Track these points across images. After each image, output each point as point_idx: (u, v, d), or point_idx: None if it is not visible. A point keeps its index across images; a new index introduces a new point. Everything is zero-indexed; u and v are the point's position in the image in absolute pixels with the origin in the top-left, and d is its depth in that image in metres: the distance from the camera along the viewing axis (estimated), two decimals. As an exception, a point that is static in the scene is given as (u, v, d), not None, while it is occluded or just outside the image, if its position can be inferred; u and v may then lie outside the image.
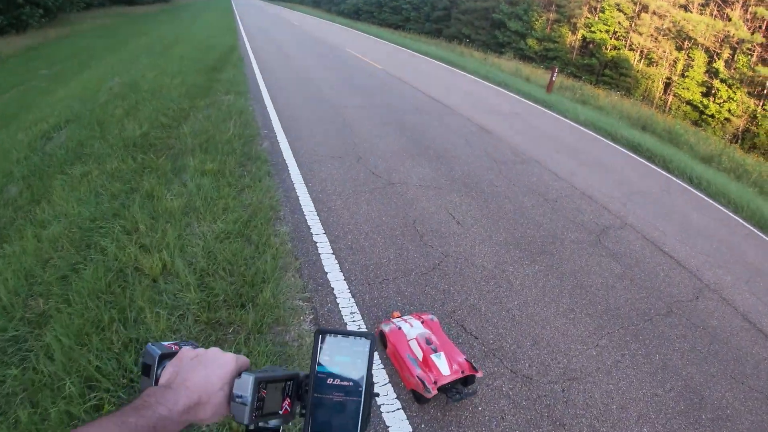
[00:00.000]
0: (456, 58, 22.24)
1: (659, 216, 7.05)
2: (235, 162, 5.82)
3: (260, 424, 0.76)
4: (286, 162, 6.22)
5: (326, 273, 4.09)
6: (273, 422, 0.78)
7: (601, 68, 35.60)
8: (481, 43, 38.65)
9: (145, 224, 4.27)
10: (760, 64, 29.62)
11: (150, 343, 0.78)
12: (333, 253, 4.40)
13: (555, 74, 17.48)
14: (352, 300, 3.82)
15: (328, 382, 0.75)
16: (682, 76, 33.01)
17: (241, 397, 0.72)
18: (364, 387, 0.75)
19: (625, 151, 10.79)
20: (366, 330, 3.55)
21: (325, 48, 19.41)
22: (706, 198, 8.89)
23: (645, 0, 33.88)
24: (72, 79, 13.60)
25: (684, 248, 6.14)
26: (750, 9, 30.98)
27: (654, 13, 33.93)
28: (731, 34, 30.90)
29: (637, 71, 34.58)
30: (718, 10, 32.71)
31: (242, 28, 23.73)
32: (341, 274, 4.12)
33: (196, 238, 4.20)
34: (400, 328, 3.23)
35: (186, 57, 13.40)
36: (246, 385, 0.72)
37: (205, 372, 0.72)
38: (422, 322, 3.32)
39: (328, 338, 0.77)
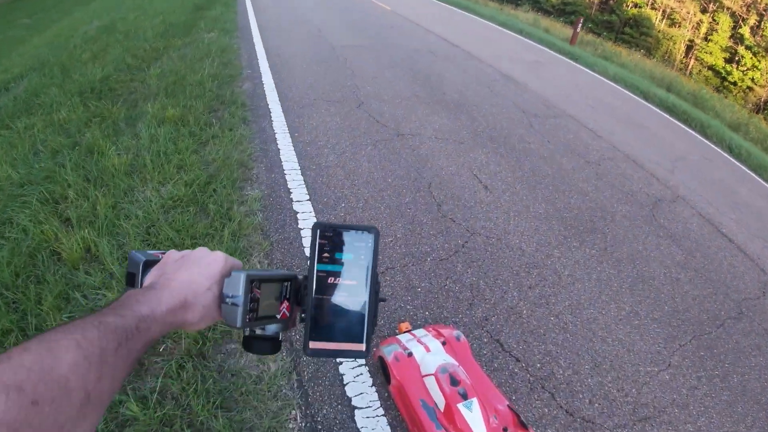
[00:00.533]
0: (471, 5, 20.41)
1: (709, 189, 6.06)
2: (204, 107, 4.65)
3: (257, 331, 0.70)
4: (270, 107, 5.00)
5: (306, 260, 2.93)
6: (271, 328, 0.70)
7: (622, 26, 33.87)
8: (496, -5, 36.27)
9: (75, 190, 3.25)
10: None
11: (134, 251, 0.69)
12: (319, 230, 3.21)
13: (579, 26, 15.86)
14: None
15: (329, 281, 0.66)
16: (706, 39, 31.85)
17: (231, 296, 0.62)
18: (369, 286, 0.66)
19: (660, 111, 9.62)
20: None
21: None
22: (748, 171, 7.96)
23: (671, -43, 31.64)
24: (51, 26, 12.43)
25: (741, 230, 5.13)
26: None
27: (681, -29, 31.80)
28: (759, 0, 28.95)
29: (659, 31, 33.20)
30: None
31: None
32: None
33: (137, 207, 3.11)
34: (410, 355, 2.10)
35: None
36: (237, 283, 0.62)
37: (191, 271, 0.64)
38: (443, 343, 2.19)
39: (327, 233, 0.67)
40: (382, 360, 2.14)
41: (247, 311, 0.63)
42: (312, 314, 0.66)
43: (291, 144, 4.28)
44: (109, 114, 4.50)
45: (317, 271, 0.66)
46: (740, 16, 30.32)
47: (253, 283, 0.64)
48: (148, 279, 0.66)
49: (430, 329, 2.30)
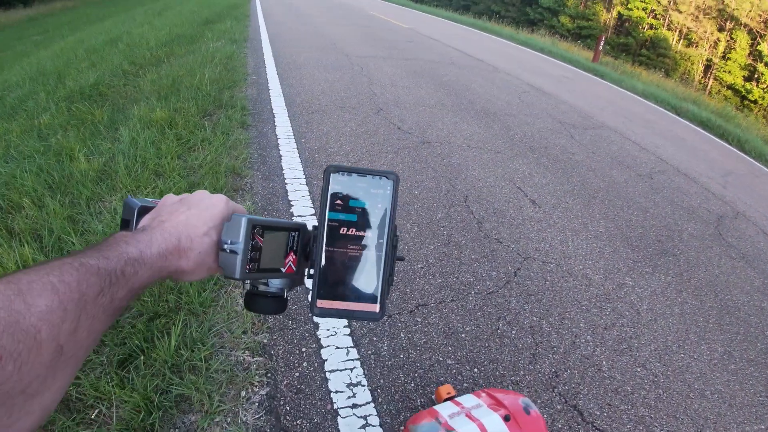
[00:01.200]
0: (488, 26, 20.02)
1: (764, 204, 5.34)
2: (198, 110, 3.99)
3: (260, 287, 0.62)
4: (274, 111, 4.32)
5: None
6: (275, 283, 0.62)
7: (638, 48, 33.49)
8: (511, 19, 36.07)
9: (31, 198, 2.68)
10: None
11: (130, 197, 0.61)
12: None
13: (602, 43, 15.31)
14: (359, 368, 1.92)
15: (341, 231, 0.58)
16: (724, 58, 31.19)
17: (230, 242, 0.54)
18: (386, 238, 0.59)
19: (694, 126, 8.92)
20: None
21: (343, 10, 17.32)
22: None
23: (685, -23, 31.36)
24: (59, 41, 12.16)
25: None
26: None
27: (695, -10, 31.45)
28: (777, 15, 28.46)
29: (676, 52, 32.69)
30: None
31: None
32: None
33: (98, 220, 2.41)
34: None
35: (185, 14, 11.68)
36: (237, 228, 0.55)
37: (188, 213, 0.56)
38: (506, 418, 1.39)
39: (341, 177, 0.59)
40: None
41: (247, 260, 0.55)
42: (321, 269, 0.58)
43: (296, 150, 3.58)
44: (91, 118, 3.98)
45: (328, 220, 0.58)
46: (758, 32, 29.57)
47: (255, 229, 0.56)
48: (142, 224, 0.57)
49: (484, 395, 1.50)
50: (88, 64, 6.13)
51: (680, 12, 32.06)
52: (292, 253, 0.63)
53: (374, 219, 0.59)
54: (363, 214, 0.59)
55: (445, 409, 1.41)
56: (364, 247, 0.58)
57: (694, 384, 2.22)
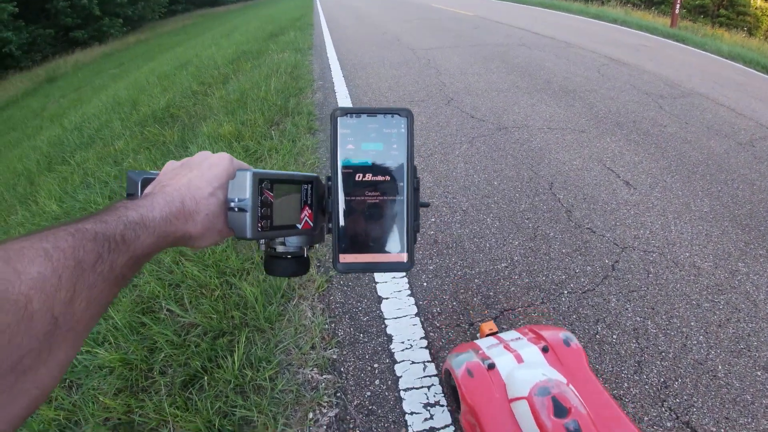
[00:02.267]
0: (555, 2, 19.03)
1: None
2: (265, 121, 3.96)
3: (278, 248, 0.58)
4: (341, 113, 4.20)
5: (380, 302, 2.02)
6: (293, 241, 0.58)
7: (716, 8, 30.69)
8: (580, -7, 34.52)
9: None
10: None
11: (131, 170, 0.58)
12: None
13: (678, 6, 14.10)
14: (438, 386, 1.72)
15: (357, 178, 0.54)
16: None
17: (237, 200, 0.51)
18: (405, 181, 0.54)
19: None
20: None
21: (406, 6, 17.14)
22: None
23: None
24: (135, 72, 12.97)
25: None
26: None
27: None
28: None
29: (756, 8, 29.81)
30: None
31: (318, 2, 22.19)
32: (414, 305, 2.04)
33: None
34: (492, 367, 1.14)
35: (250, 32, 12.06)
36: (242, 184, 0.51)
37: (190, 174, 0.52)
38: (544, 349, 1.18)
39: (349, 120, 0.55)
40: (449, 375, 1.22)
41: (257, 217, 0.51)
42: (340, 220, 0.54)
43: (363, 150, 3.43)
44: (162, 139, 4.09)
45: (342, 167, 0.54)
46: None
47: (262, 183, 0.52)
48: (145, 193, 0.53)
49: (527, 331, 1.27)
50: (160, 89, 6.40)
51: None
52: (307, 207, 0.59)
53: (391, 161, 0.55)
54: (378, 156, 0.55)
55: (484, 342, 1.28)
56: (383, 192, 0.55)
57: None
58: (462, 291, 2.11)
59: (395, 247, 0.55)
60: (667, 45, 9.77)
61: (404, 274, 2.18)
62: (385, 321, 1.94)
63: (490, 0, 20.32)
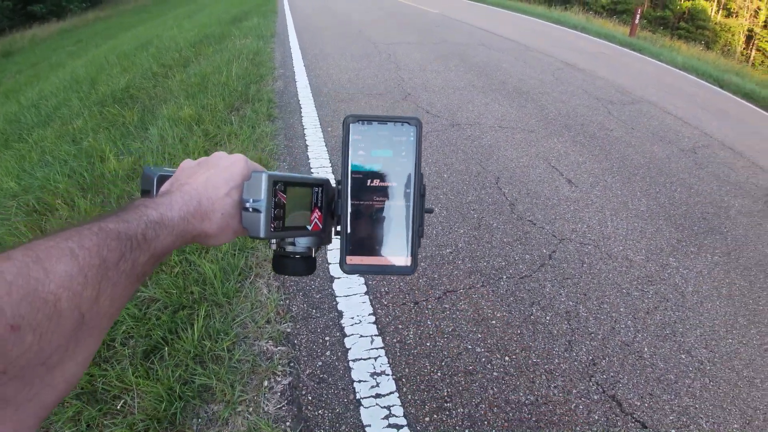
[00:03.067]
0: (519, 5, 19.47)
1: None
2: (225, 106, 4.00)
3: (288, 248, 0.60)
4: (301, 103, 4.30)
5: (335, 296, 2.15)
6: (302, 242, 0.60)
7: (676, 21, 32.18)
8: (543, -2, 35.24)
9: (63, 199, 2.75)
10: None
11: (147, 166, 0.59)
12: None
13: (638, 17, 14.68)
14: (384, 357, 1.87)
15: (366, 184, 0.56)
16: (766, 27, 29.41)
17: (252, 201, 0.52)
18: (413, 187, 0.57)
19: (739, 98, 8.39)
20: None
21: None
22: None
23: (723, -57, 29.68)
24: (93, 50, 12.56)
25: None
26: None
27: (733, -44, 29.76)
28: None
29: (715, 23, 31.58)
30: None
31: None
32: (363, 285, 2.18)
33: (127, 217, 2.39)
34: None
35: (214, 14, 11.85)
36: (258, 185, 0.52)
37: (207, 174, 0.54)
38: None
39: (361, 127, 0.57)
40: None
41: (271, 218, 0.53)
42: (348, 223, 0.57)
43: (323, 139, 3.55)
44: (122, 119, 4.07)
45: (352, 172, 0.57)
46: None
47: (276, 185, 0.54)
48: (161, 190, 0.55)
49: None
50: (120, 69, 6.28)
51: None
52: (317, 210, 0.61)
53: (399, 168, 0.57)
54: (387, 163, 0.57)
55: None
56: (390, 197, 0.57)
57: (743, 371, 2.05)
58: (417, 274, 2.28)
59: (400, 251, 0.57)
60: (623, 53, 10.20)
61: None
62: (337, 298, 2.07)
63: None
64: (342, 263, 0.56)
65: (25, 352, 0.32)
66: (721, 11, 31.85)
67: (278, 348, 1.79)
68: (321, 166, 3.16)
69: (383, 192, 0.57)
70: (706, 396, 1.89)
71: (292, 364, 1.74)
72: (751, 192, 3.88)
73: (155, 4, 27.66)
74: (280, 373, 1.69)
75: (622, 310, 2.25)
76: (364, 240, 0.56)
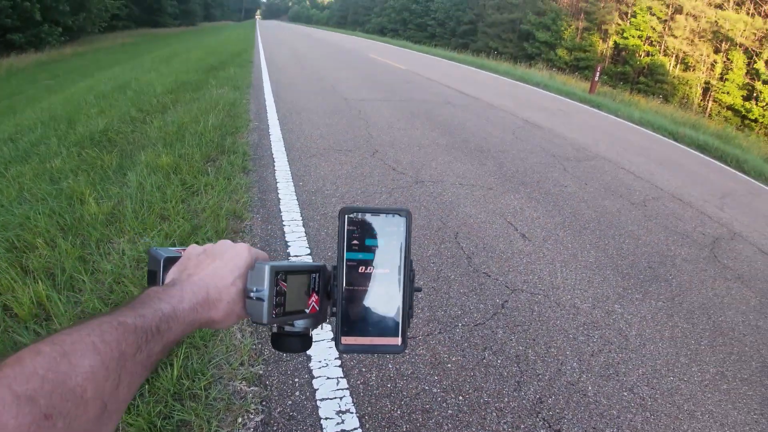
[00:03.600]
0: (486, 63, 20.57)
1: (762, 223, 5.46)
2: (201, 156, 4.19)
3: (286, 328, 0.64)
4: (274, 156, 4.54)
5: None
6: (300, 323, 0.64)
7: (636, 76, 33.61)
8: (509, 55, 36.84)
9: (45, 238, 2.83)
10: (805, 61, 26.98)
11: (154, 248, 0.63)
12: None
13: (598, 74, 15.64)
14: (348, 397, 2.04)
15: (359, 271, 0.61)
16: (722, 79, 30.76)
17: (256, 290, 0.57)
18: (403, 274, 0.61)
19: (692, 150, 9.11)
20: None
21: (344, 54, 17.92)
22: None
23: (679, 1, 31.57)
24: (70, 87, 12.62)
25: None
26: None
27: (689, 14, 31.41)
28: (772, 31, 28.55)
29: (674, 77, 32.48)
30: (755, 8, 30.20)
31: (260, 40, 22.51)
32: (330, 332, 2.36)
33: (107, 260, 2.58)
34: None
35: (191, 61, 12.16)
36: (261, 275, 0.57)
37: (214, 264, 0.59)
38: None
39: (355, 218, 0.61)
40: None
41: (273, 306, 0.58)
42: (343, 307, 0.60)
43: (294, 193, 3.77)
44: (100, 163, 4.19)
45: (347, 260, 0.61)
46: (753, 51, 29.32)
47: (278, 275, 0.59)
48: (169, 276, 0.60)
49: None
50: (98, 110, 6.40)
51: (675, 37, 32.06)
52: (315, 294, 0.65)
53: (390, 256, 0.61)
54: (379, 252, 0.61)
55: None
56: (382, 283, 0.61)
57: (684, 405, 2.29)
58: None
59: (391, 332, 0.60)
60: (582, 110, 10.84)
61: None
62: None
63: (424, 56, 21.61)
64: (337, 344, 0.60)
65: None
66: (679, 65, 32.99)
67: (251, 388, 1.95)
68: (292, 219, 3.36)
69: (375, 278, 0.61)
70: (647, 429, 2.10)
71: (264, 403, 1.89)
72: (698, 240, 4.25)
73: (132, 45, 28.04)
74: (253, 411, 1.84)
75: (568, 353, 2.48)
76: (357, 322, 0.60)
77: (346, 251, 0.60)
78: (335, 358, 2.17)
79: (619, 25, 34.69)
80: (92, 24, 28.53)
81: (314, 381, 2.03)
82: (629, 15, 34.22)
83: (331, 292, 0.64)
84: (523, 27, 37.97)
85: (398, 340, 0.60)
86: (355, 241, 0.61)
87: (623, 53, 35.00)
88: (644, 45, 33.86)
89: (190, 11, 55.01)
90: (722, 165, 8.42)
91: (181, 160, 4.04)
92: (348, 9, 71.71)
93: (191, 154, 4.18)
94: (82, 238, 2.88)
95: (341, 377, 2.06)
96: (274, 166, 4.31)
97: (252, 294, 0.57)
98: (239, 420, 1.79)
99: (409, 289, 0.61)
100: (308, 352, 2.22)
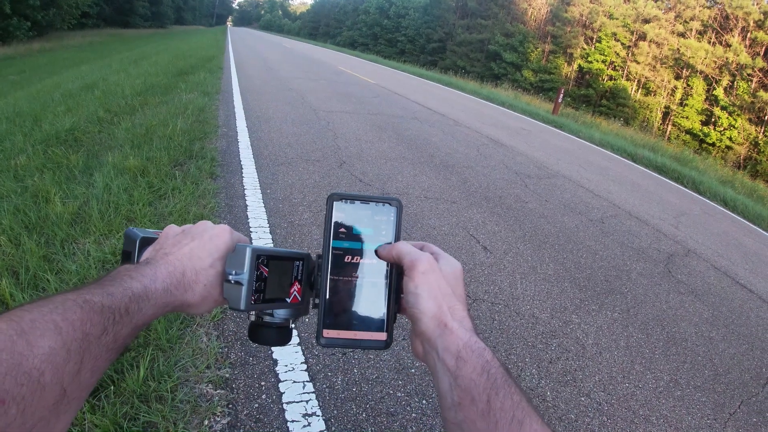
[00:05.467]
0: (454, 81, 21.02)
1: (716, 241, 5.78)
2: (169, 159, 4.18)
3: (266, 318, 0.61)
4: (242, 163, 4.56)
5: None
6: (280, 313, 0.61)
7: (598, 99, 34.67)
8: (476, 74, 37.68)
9: (9, 237, 2.80)
10: (761, 90, 28.19)
11: (130, 228, 0.61)
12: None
13: (561, 96, 16.21)
14: (315, 400, 2.09)
15: (346, 260, 0.57)
16: (681, 104, 31.97)
17: (235, 273, 0.54)
18: (391, 265, 0.57)
19: (650, 171, 9.55)
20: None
21: (314, 65, 18.02)
22: (747, 222, 7.73)
23: (643, 28, 32.91)
24: (37, 83, 12.25)
25: (758, 280, 4.88)
26: (749, 34, 29.88)
27: (652, 41, 32.79)
28: (730, 61, 29.75)
29: (635, 101, 33.59)
30: (716, 37, 31.74)
31: (231, 46, 22.40)
32: (297, 336, 2.41)
33: (72, 260, 2.56)
34: None
35: (160, 64, 12.00)
36: (241, 258, 0.54)
37: (192, 244, 0.55)
38: None
39: (344, 205, 0.58)
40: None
41: (252, 291, 0.54)
42: (326, 298, 0.56)
43: (261, 200, 3.80)
44: (66, 162, 4.13)
45: (333, 248, 0.57)
46: (713, 78, 30.61)
47: (259, 259, 0.55)
48: (144, 256, 0.57)
49: None
50: (65, 108, 6.28)
51: (638, 63, 33.17)
52: (297, 283, 0.62)
53: (378, 245, 0.58)
54: (368, 241, 0.58)
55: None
56: (369, 274, 0.57)
57: (639, 410, 2.42)
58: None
59: (376, 326, 0.56)
60: (545, 130, 11.19)
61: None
62: (272, 348, 2.28)
63: (393, 71, 21.91)
64: (318, 337, 0.55)
65: (9, 424, 0.32)
66: (640, 90, 33.96)
67: (218, 391, 1.97)
68: (259, 226, 3.39)
69: (362, 269, 0.57)
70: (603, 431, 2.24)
71: (230, 406, 1.92)
72: (653, 256, 4.47)
73: (101, 44, 27.40)
74: (219, 414, 1.87)
75: (527, 360, 2.60)
76: (341, 314, 0.56)
77: (333, 239, 0.56)
78: (301, 363, 2.21)
79: (584, 49, 35.70)
80: (62, 20, 27.88)
81: (280, 384, 2.07)
82: (594, 40, 35.33)
83: (315, 281, 0.61)
84: (491, 47, 38.91)
85: (383, 335, 0.56)
86: (342, 229, 0.57)
87: (587, 76, 36.04)
88: (608, 69, 34.94)
89: (161, 13, 54.21)
90: (679, 186, 8.84)
91: (148, 163, 4.02)
92: (320, 21, 72.17)
93: (159, 157, 4.17)
94: (46, 237, 2.85)
95: (307, 381, 2.11)
96: (242, 172, 4.33)
97: (231, 277, 0.54)
98: (206, 422, 1.82)
99: (397, 283, 0.57)
100: (274, 356, 2.26)
